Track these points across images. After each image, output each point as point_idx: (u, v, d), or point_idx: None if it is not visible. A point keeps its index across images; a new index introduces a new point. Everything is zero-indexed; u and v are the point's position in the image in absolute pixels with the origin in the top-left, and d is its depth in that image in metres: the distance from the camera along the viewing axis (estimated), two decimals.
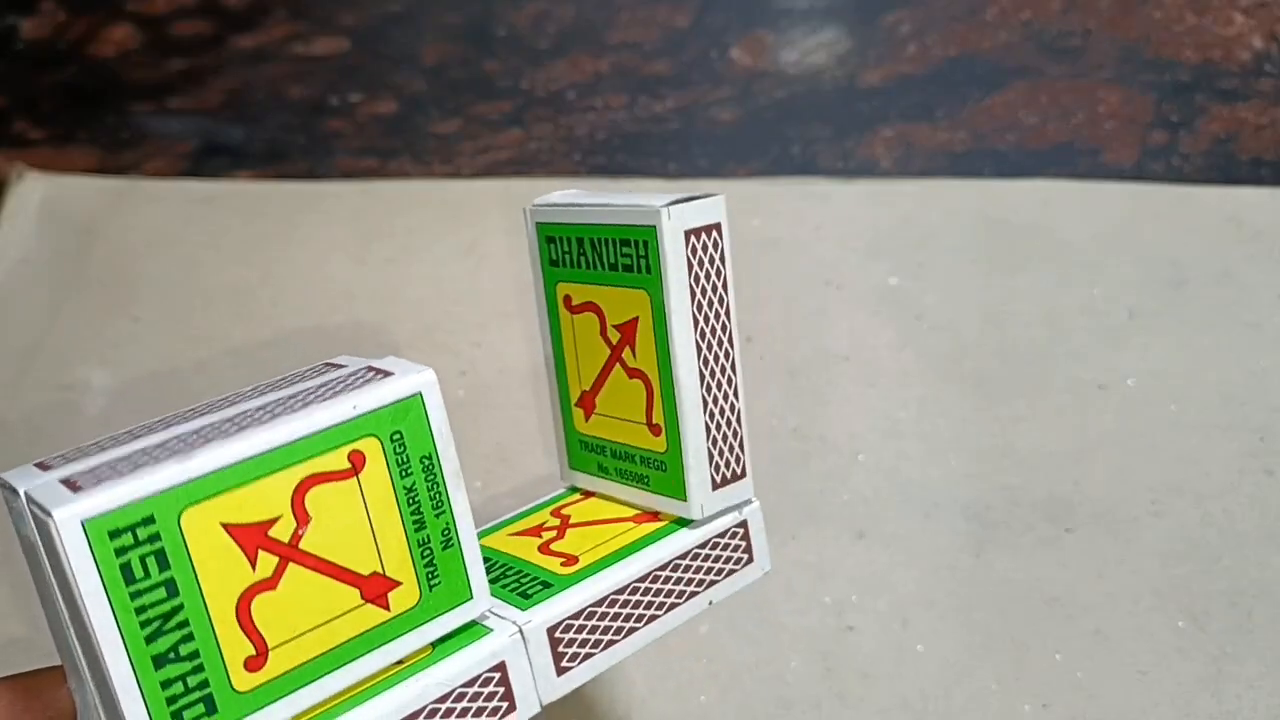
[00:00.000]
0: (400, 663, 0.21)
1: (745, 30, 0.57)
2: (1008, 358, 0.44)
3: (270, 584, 0.19)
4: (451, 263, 0.48)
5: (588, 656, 0.23)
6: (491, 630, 0.22)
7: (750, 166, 0.52)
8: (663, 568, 0.24)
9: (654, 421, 0.25)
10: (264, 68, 0.58)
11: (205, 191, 0.52)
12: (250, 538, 0.19)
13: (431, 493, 0.21)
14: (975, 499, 0.40)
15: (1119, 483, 0.40)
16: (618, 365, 0.26)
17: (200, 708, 0.19)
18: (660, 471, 0.25)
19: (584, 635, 0.23)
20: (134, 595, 0.18)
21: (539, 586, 0.23)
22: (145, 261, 0.50)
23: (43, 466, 0.19)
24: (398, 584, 0.21)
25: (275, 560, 0.19)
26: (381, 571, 0.21)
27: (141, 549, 0.18)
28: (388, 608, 0.21)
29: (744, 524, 0.26)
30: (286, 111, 0.56)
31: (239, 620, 0.19)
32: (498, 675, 0.22)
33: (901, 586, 0.38)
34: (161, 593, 0.18)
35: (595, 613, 0.23)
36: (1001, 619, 0.37)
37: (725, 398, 0.25)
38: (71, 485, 0.18)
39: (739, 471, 0.25)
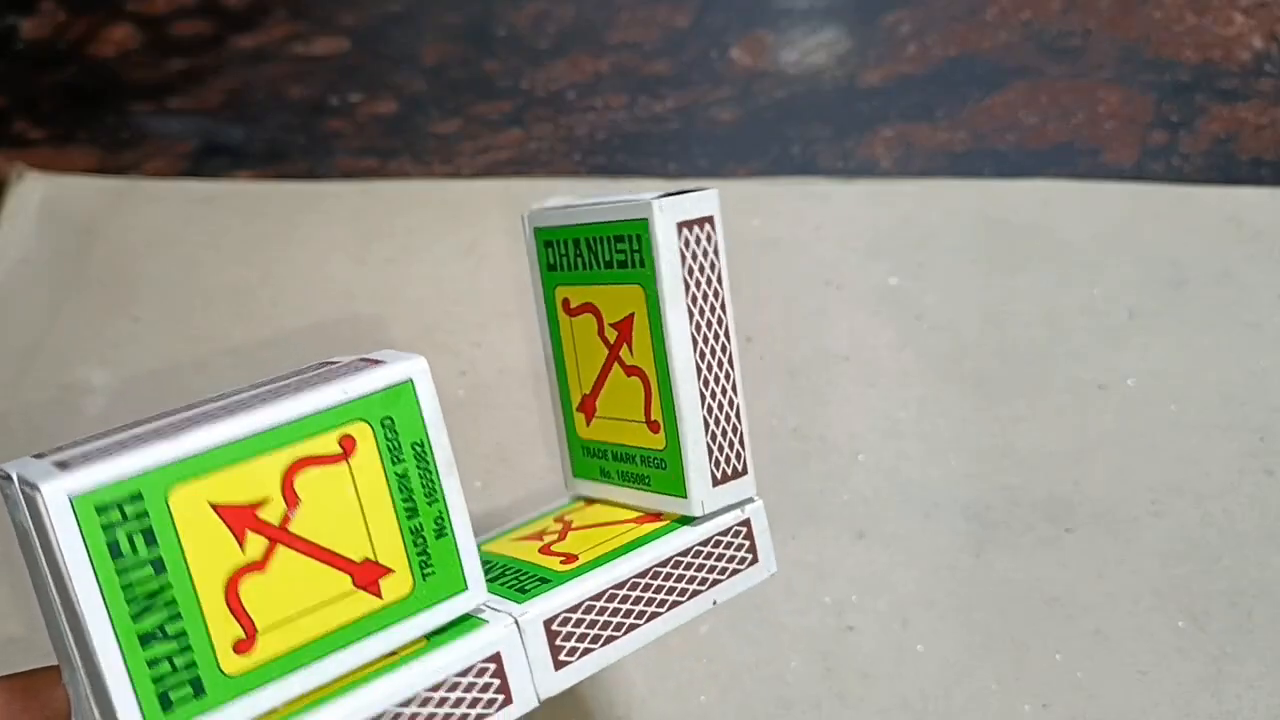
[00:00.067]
0: (394, 654, 0.21)
1: (745, 30, 0.57)
2: (1008, 358, 0.44)
3: (259, 566, 0.19)
4: (451, 263, 0.48)
5: (587, 651, 0.23)
6: (487, 622, 0.22)
7: (750, 166, 0.52)
8: (663, 564, 0.24)
9: (652, 418, 0.25)
10: (264, 68, 0.58)
11: (205, 191, 0.52)
12: (239, 518, 0.19)
13: (424, 480, 0.21)
14: (975, 499, 0.40)
15: (1119, 483, 0.40)
16: (616, 364, 0.26)
17: (187, 689, 0.19)
18: (660, 470, 0.25)
19: (582, 630, 0.23)
20: (120, 572, 0.18)
21: (536, 582, 0.23)
22: (145, 261, 0.50)
23: (38, 457, 0.19)
24: (390, 571, 0.21)
25: (264, 542, 0.19)
26: (373, 558, 0.21)
27: (129, 525, 0.18)
28: (380, 595, 0.21)
29: (746, 523, 0.25)
30: (286, 111, 0.56)
31: (227, 601, 0.19)
32: (493, 666, 0.22)
33: (901, 586, 0.38)
34: (148, 570, 0.18)
35: (594, 607, 0.23)
36: (1001, 619, 0.38)
37: (724, 392, 0.25)
38: (61, 465, 0.18)
39: (740, 468, 0.25)
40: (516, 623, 0.22)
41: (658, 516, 0.26)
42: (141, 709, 0.18)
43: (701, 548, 0.25)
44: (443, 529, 0.21)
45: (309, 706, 0.20)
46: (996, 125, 0.52)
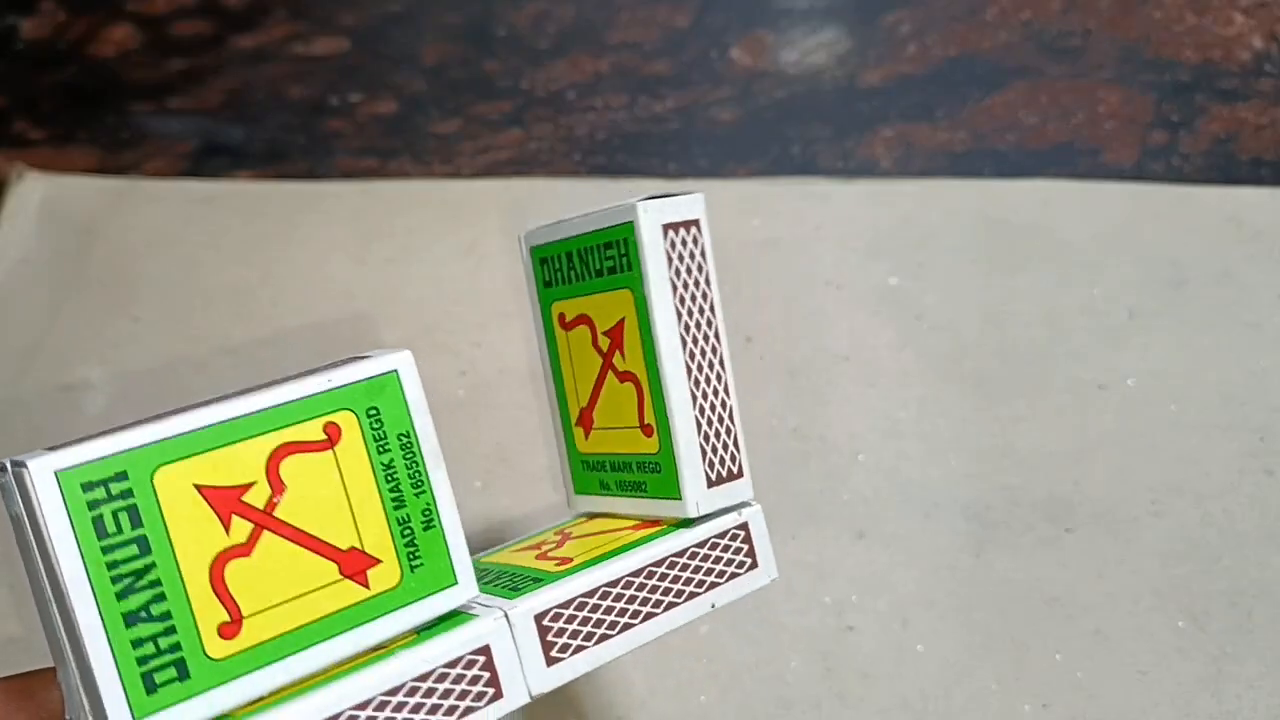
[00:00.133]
0: (382, 647, 0.21)
1: (745, 30, 0.57)
2: (1008, 358, 0.44)
3: (244, 550, 0.19)
4: (451, 263, 0.48)
5: (580, 649, 0.23)
6: (477, 616, 0.22)
7: (750, 166, 0.52)
8: (658, 564, 0.24)
9: (646, 422, 0.25)
10: (264, 68, 0.58)
11: (205, 191, 0.52)
12: (224, 501, 0.19)
13: (410, 471, 0.21)
14: (975, 499, 0.40)
15: (1119, 483, 0.40)
16: (610, 372, 0.26)
17: (172, 671, 0.19)
18: (655, 474, 0.25)
19: (575, 626, 0.23)
20: (106, 550, 0.18)
21: (530, 582, 0.23)
22: (145, 261, 0.50)
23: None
24: (377, 561, 0.21)
25: (249, 526, 0.20)
26: (360, 547, 0.21)
27: (114, 504, 0.18)
28: (367, 585, 0.21)
29: (744, 526, 0.25)
30: (286, 111, 0.56)
31: (212, 584, 0.19)
32: (482, 659, 0.22)
33: (901, 586, 0.38)
34: (133, 549, 0.18)
35: (587, 604, 0.23)
36: (1001, 619, 0.38)
37: (715, 394, 0.25)
38: (51, 449, 0.18)
39: (735, 470, 0.25)
40: (506, 616, 0.22)
41: (657, 523, 0.26)
42: (126, 692, 0.18)
43: (698, 549, 0.25)
44: (430, 521, 0.22)
45: (294, 695, 0.20)
46: (996, 125, 0.52)
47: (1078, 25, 0.55)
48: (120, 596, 0.18)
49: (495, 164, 0.53)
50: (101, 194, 0.52)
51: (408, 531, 0.21)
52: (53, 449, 0.18)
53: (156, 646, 0.19)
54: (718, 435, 0.25)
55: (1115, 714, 0.35)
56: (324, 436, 0.20)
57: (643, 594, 0.24)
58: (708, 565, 0.25)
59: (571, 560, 0.24)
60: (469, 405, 0.44)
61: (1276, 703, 0.35)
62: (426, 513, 0.22)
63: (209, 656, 0.19)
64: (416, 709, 0.21)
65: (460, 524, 0.22)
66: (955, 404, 0.43)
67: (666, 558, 0.24)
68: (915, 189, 0.49)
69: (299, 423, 0.20)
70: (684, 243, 0.24)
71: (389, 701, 0.20)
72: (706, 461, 0.25)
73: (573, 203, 0.51)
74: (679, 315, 0.24)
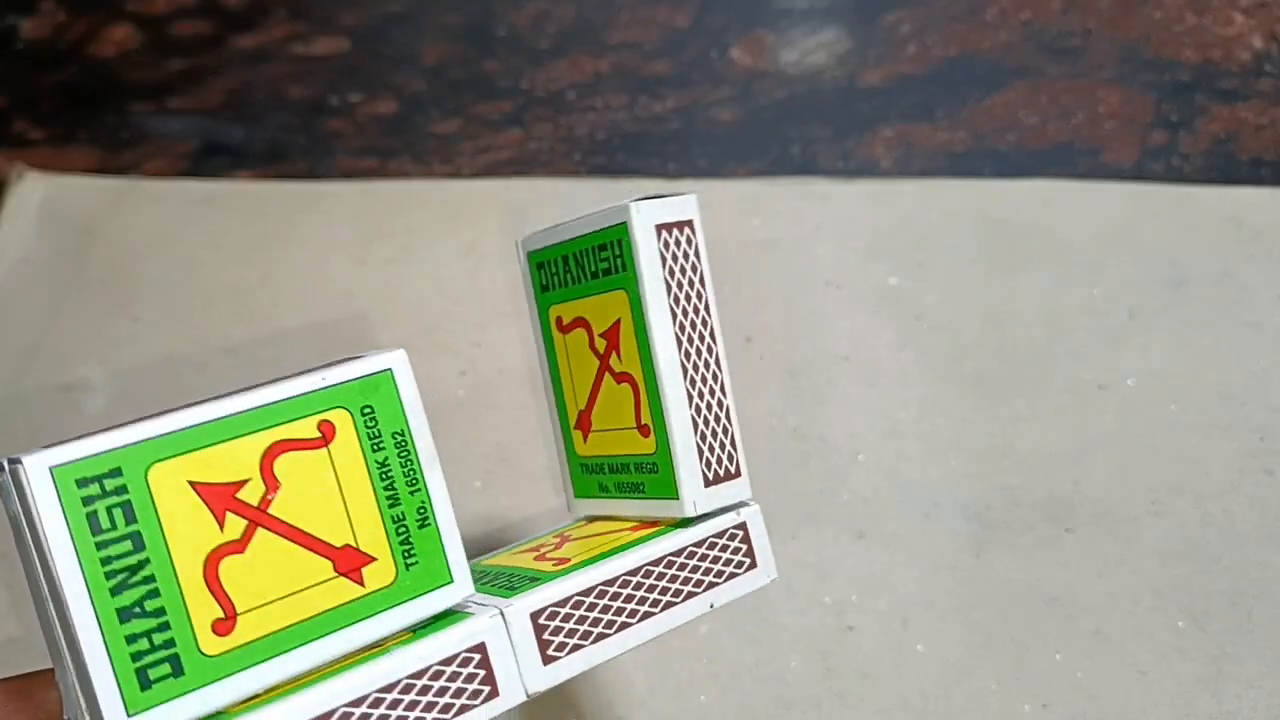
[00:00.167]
0: (378, 645, 0.21)
1: (745, 30, 0.57)
2: (1008, 358, 0.44)
3: (238, 546, 0.20)
4: (451, 263, 0.48)
5: (576, 648, 0.23)
6: (472, 615, 0.22)
7: (750, 166, 0.52)
8: (655, 563, 0.24)
9: (642, 422, 0.25)
10: (264, 68, 0.58)
11: (205, 191, 0.52)
12: (218, 498, 0.19)
13: (405, 469, 0.21)
14: (975, 499, 0.40)
15: (1119, 483, 0.40)
16: (606, 374, 0.26)
17: (166, 667, 0.19)
18: (653, 475, 0.25)
19: (572, 625, 0.23)
20: (100, 545, 0.18)
21: (526, 581, 0.23)
22: (145, 261, 0.50)
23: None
24: (371, 559, 0.21)
25: (244, 523, 0.20)
26: (354, 544, 0.21)
27: (108, 500, 0.18)
28: (362, 583, 0.21)
29: (743, 526, 0.25)
30: (286, 111, 0.56)
31: (206, 581, 0.19)
32: (478, 657, 0.21)
33: (901, 586, 0.38)
34: (127, 545, 0.18)
35: (583, 603, 0.23)
36: (1001, 619, 0.38)
37: (711, 393, 0.25)
38: (47, 447, 0.18)
39: (733, 470, 0.25)
40: (502, 614, 0.22)
41: (655, 524, 0.26)
42: (120, 687, 0.18)
43: (696, 549, 0.25)
44: (426, 519, 0.22)
45: (289, 691, 0.20)
46: (996, 125, 0.52)
47: (1078, 25, 0.55)
48: (114, 592, 0.18)
49: (495, 164, 0.53)
50: (101, 194, 0.52)
51: (403, 530, 0.21)
52: (48, 446, 0.18)
53: (150, 642, 0.19)
54: (714, 435, 0.25)
55: (1115, 714, 0.35)
56: (318, 434, 0.21)
57: (640, 593, 0.24)
58: (706, 565, 0.25)
59: (569, 561, 0.24)
60: (469, 405, 0.44)
61: (1276, 703, 0.35)
62: (421, 511, 0.22)
63: (203, 653, 0.19)
64: (411, 706, 0.21)
65: (456, 523, 0.22)
66: (955, 404, 0.43)
67: (664, 557, 0.24)
68: (915, 189, 0.49)
69: (293, 420, 0.20)
70: (678, 243, 0.24)
71: (384, 699, 0.20)
72: (703, 461, 0.25)
73: (573, 203, 0.51)
74: (674, 315, 0.24)
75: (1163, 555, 0.38)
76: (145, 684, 0.18)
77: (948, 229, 0.48)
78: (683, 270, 0.24)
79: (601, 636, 0.23)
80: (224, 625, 0.19)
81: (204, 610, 0.19)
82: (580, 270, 0.26)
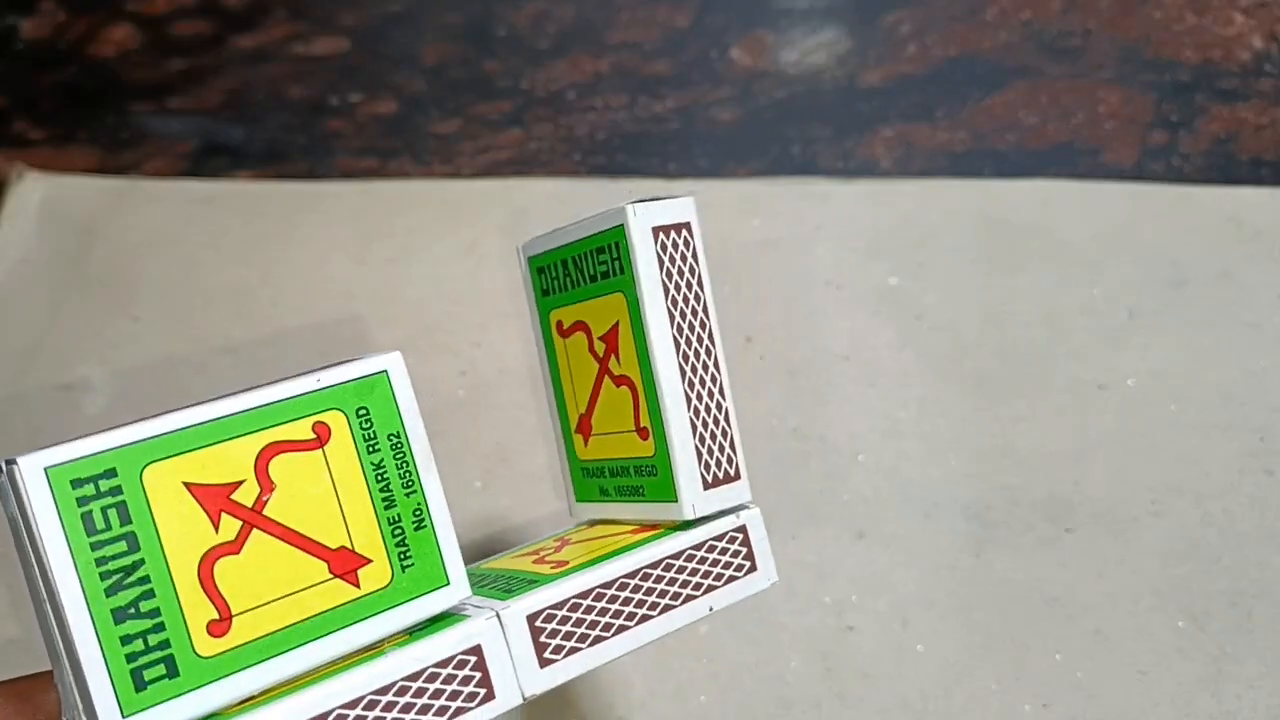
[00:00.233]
0: (373, 647, 0.21)
1: (745, 30, 0.57)
2: (1008, 358, 0.44)
3: (233, 548, 0.20)
4: (451, 263, 0.48)
5: (573, 651, 0.23)
6: (469, 617, 0.22)
7: (750, 166, 0.52)
8: (654, 566, 0.24)
9: (641, 425, 0.25)
10: (264, 68, 0.58)
11: (205, 191, 0.52)
12: (213, 499, 0.19)
13: (401, 471, 0.21)
14: (975, 499, 0.40)
15: (1119, 483, 0.40)
16: (606, 377, 0.26)
17: (161, 668, 0.19)
18: (652, 478, 0.25)
19: (569, 628, 0.23)
20: (95, 546, 0.18)
21: (524, 584, 0.23)
22: (145, 261, 0.50)
23: None
24: (367, 561, 0.21)
25: (238, 524, 0.20)
26: (350, 546, 0.21)
27: (103, 500, 0.18)
28: (358, 585, 0.21)
29: (742, 529, 0.25)
30: (286, 111, 0.56)
31: (201, 582, 0.19)
32: (474, 659, 0.21)
33: (901, 586, 0.38)
34: (122, 545, 0.18)
35: (580, 605, 0.23)
36: (1001, 619, 0.38)
37: (710, 395, 0.25)
38: (43, 448, 0.18)
39: (732, 473, 0.25)
40: (498, 616, 0.22)
41: (655, 527, 0.26)
42: (115, 688, 0.18)
43: (694, 552, 0.25)
44: (422, 521, 0.22)
45: (284, 693, 0.20)
46: (996, 125, 0.52)
47: (1078, 25, 0.55)
48: (109, 593, 0.18)
49: (495, 164, 0.53)
50: (101, 194, 0.52)
51: (398, 531, 0.21)
52: (43, 447, 0.18)
53: (145, 643, 0.19)
54: (713, 437, 0.25)
55: (1115, 714, 0.35)
56: (313, 436, 0.21)
57: (638, 596, 0.24)
58: (705, 568, 0.25)
59: (568, 563, 0.24)
60: (469, 405, 0.44)
61: (1276, 703, 0.35)
62: (418, 513, 0.22)
63: (198, 654, 0.19)
64: (407, 709, 0.21)
65: (452, 525, 0.22)
66: (955, 404, 0.43)
67: (663, 560, 0.24)
68: (915, 189, 0.49)
69: (288, 422, 0.20)
70: (675, 245, 0.24)
71: (379, 701, 0.20)
72: (702, 463, 0.25)
73: (572, 203, 0.51)
74: (671, 318, 0.24)
75: (1163, 555, 0.38)
76: (140, 685, 0.18)
77: (948, 229, 0.48)
78: (680, 273, 0.24)
79: (599, 640, 0.23)
80: (219, 626, 0.19)
81: (199, 611, 0.19)
82: (579, 274, 0.26)
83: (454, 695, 0.21)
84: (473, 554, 0.27)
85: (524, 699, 0.22)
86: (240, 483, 0.20)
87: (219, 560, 0.19)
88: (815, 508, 0.40)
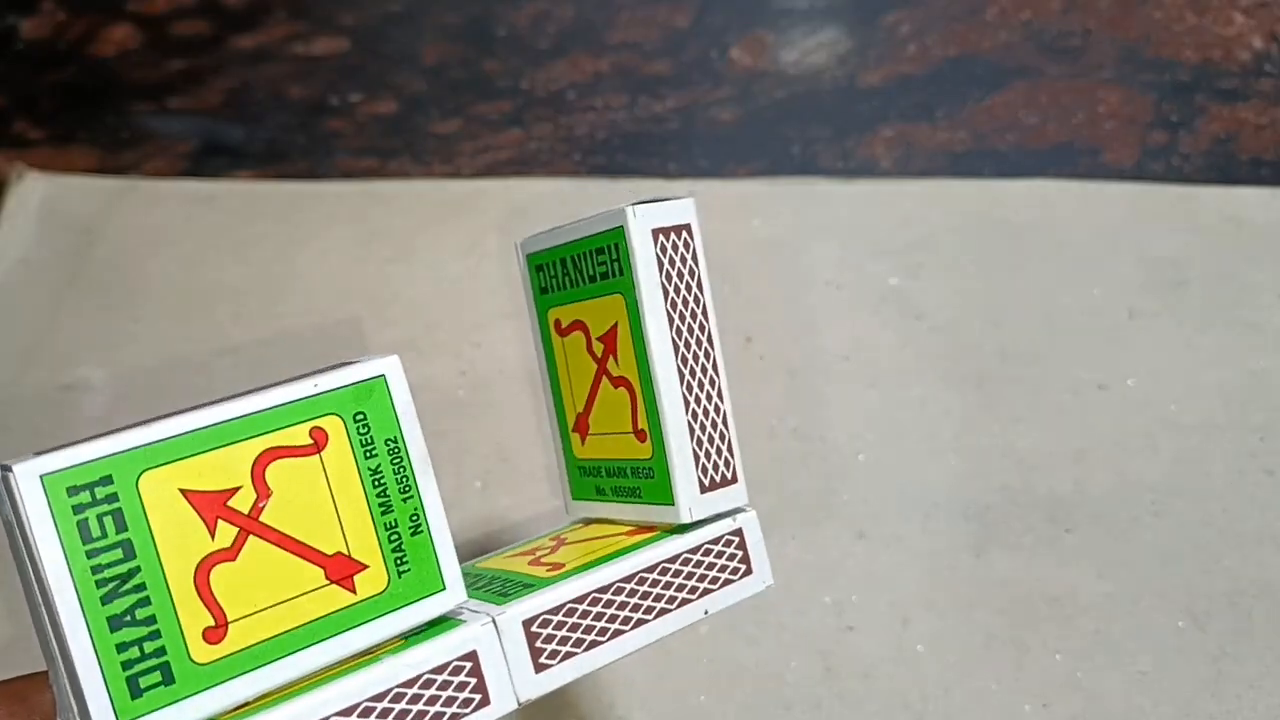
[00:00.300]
0: (369, 652, 0.21)
1: (745, 30, 0.57)
2: (1008, 358, 0.44)
3: (229, 555, 0.19)
4: (451, 263, 0.48)
5: (569, 655, 0.23)
6: (464, 622, 0.22)
7: (750, 166, 0.52)
8: (650, 570, 0.24)
9: (639, 427, 0.25)
10: (264, 68, 0.58)
11: (205, 191, 0.52)
12: (209, 506, 0.19)
13: (398, 476, 0.21)
14: (975, 499, 0.40)
15: (1119, 483, 0.40)
16: (604, 377, 0.26)
17: (156, 675, 0.19)
18: (649, 480, 0.25)
19: (564, 633, 0.23)
20: (90, 554, 0.18)
21: (519, 588, 0.23)
22: (145, 261, 0.50)
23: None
24: (364, 566, 0.21)
25: (235, 531, 0.20)
26: (346, 552, 0.21)
27: (99, 508, 0.18)
28: (354, 591, 0.21)
29: (739, 532, 0.25)
30: (286, 111, 0.56)
31: (197, 589, 0.19)
32: (469, 665, 0.21)
33: (901, 586, 0.38)
34: (118, 553, 0.18)
35: (576, 610, 0.23)
36: (1001, 619, 0.37)
37: (709, 398, 0.25)
38: (39, 453, 0.18)
39: (729, 476, 0.25)
40: (494, 622, 0.22)
41: (652, 529, 0.26)
42: (110, 695, 0.18)
43: (690, 555, 0.25)
44: (418, 526, 0.22)
45: (279, 700, 0.20)
46: (996, 125, 0.52)
47: (1078, 25, 0.55)
48: (105, 600, 0.18)
49: (495, 164, 0.53)
50: (101, 194, 0.52)
51: (395, 537, 0.21)
52: (40, 452, 0.18)
53: (141, 650, 0.19)
54: (711, 440, 0.25)
55: (1115, 714, 0.35)
56: (310, 441, 0.20)
57: (634, 600, 0.24)
58: (701, 571, 0.25)
59: (563, 566, 0.24)
60: (469, 405, 0.44)
61: (1276, 703, 0.35)
62: (414, 518, 0.21)
63: (194, 661, 0.19)
64: (402, 715, 0.20)
65: (449, 529, 0.22)
66: (955, 404, 0.43)
67: (659, 564, 0.24)
68: (915, 189, 0.49)
69: (285, 428, 0.20)
70: (675, 247, 0.24)
71: (374, 707, 0.20)
72: (700, 467, 0.25)
73: (572, 203, 0.51)
74: (670, 320, 0.24)
75: (1163, 555, 0.38)
76: (136, 692, 0.18)
77: (948, 229, 0.48)
78: (680, 275, 0.24)
79: (594, 644, 0.23)
80: (215, 633, 0.19)
81: (195, 618, 0.19)
82: (578, 273, 0.26)
83: (449, 701, 0.21)
84: (472, 553, 0.27)
85: (519, 704, 0.22)
86: (237, 489, 0.20)
87: (215, 567, 0.19)
88: (815, 508, 0.40)
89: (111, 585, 0.18)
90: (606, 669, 0.33)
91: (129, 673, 0.18)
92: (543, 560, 0.25)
